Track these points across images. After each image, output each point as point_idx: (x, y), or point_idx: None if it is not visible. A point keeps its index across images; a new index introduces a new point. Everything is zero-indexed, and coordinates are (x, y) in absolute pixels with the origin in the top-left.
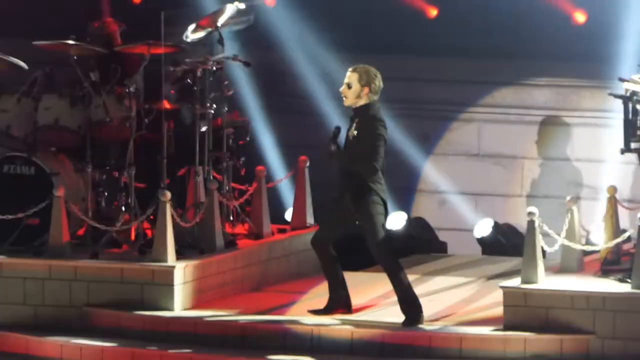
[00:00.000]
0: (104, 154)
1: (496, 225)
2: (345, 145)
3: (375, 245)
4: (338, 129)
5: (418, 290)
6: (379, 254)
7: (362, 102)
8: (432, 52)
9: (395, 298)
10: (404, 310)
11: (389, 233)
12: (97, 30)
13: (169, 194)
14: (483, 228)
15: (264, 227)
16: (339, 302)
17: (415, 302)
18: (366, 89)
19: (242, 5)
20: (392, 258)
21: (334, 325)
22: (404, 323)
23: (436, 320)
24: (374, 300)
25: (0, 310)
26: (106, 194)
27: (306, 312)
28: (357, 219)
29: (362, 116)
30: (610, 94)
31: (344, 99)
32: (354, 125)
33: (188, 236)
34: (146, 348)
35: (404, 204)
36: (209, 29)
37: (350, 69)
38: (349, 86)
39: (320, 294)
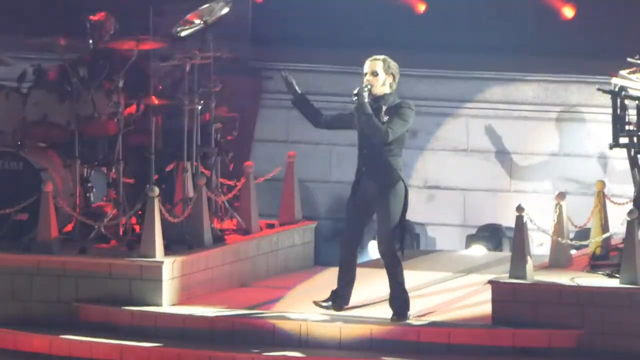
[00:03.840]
0: (92, 150)
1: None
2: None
3: (385, 238)
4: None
5: (407, 285)
6: (386, 247)
7: (386, 90)
8: (420, 47)
9: (384, 294)
10: (394, 304)
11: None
12: (96, 24)
13: (157, 190)
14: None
15: (252, 222)
16: (343, 298)
17: (406, 300)
18: (391, 77)
19: (230, 2)
20: (396, 255)
21: (323, 321)
22: (392, 318)
23: (425, 315)
24: (362, 295)
25: None
26: (94, 189)
27: (294, 308)
28: (375, 205)
29: (391, 104)
30: (599, 89)
31: (366, 88)
32: (381, 114)
33: (176, 232)
34: (134, 343)
35: None
36: (198, 24)
37: (370, 59)
38: (375, 74)
39: (308, 290)
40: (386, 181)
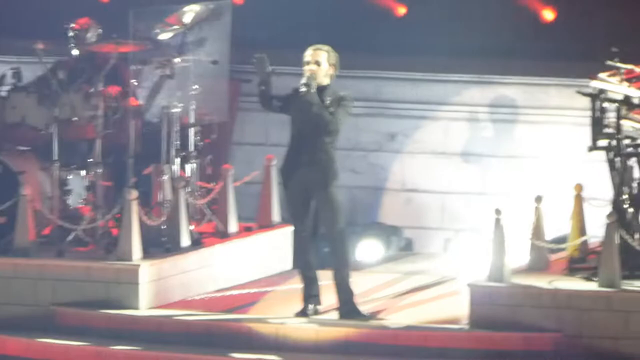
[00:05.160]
0: (71, 153)
1: None
2: None
3: (336, 232)
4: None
5: (384, 288)
6: (338, 242)
7: (326, 81)
8: (399, 50)
9: (358, 295)
10: (344, 301)
11: None
12: (79, 32)
13: (135, 193)
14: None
15: (230, 225)
16: (316, 298)
17: (353, 295)
18: (332, 69)
19: (210, 4)
20: (348, 249)
21: (299, 324)
22: (346, 315)
23: (402, 317)
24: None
25: None
26: (72, 192)
27: (271, 311)
28: (317, 196)
29: (333, 95)
30: (578, 92)
31: (310, 77)
32: (326, 105)
33: (154, 235)
34: (112, 347)
35: (371, 202)
36: (177, 27)
37: (313, 48)
38: (319, 64)
39: (285, 293)
40: (330, 172)
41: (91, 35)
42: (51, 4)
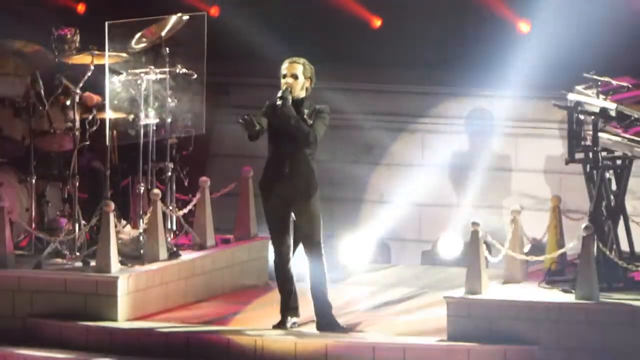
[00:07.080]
0: (48, 165)
1: None
2: None
3: (313, 246)
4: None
5: (362, 300)
6: (315, 256)
7: (302, 94)
8: (375, 62)
9: (335, 307)
10: (322, 313)
11: None
12: (62, 38)
13: (112, 205)
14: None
15: (207, 237)
16: (294, 310)
17: (331, 307)
18: (308, 82)
19: (185, 17)
20: (324, 263)
21: (278, 336)
22: (324, 328)
23: (380, 330)
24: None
25: None
26: (50, 204)
27: (250, 323)
28: (298, 208)
29: (310, 107)
30: (555, 105)
31: (286, 91)
32: (304, 118)
33: (131, 247)
34: (90, 359)
35: (349, 214)
36: (153, 39)
37: (289, 61)
38: (295, 77)
39: (263, 305)
40: (311, 184)
41: (71, 46)
42: (28, 13)
